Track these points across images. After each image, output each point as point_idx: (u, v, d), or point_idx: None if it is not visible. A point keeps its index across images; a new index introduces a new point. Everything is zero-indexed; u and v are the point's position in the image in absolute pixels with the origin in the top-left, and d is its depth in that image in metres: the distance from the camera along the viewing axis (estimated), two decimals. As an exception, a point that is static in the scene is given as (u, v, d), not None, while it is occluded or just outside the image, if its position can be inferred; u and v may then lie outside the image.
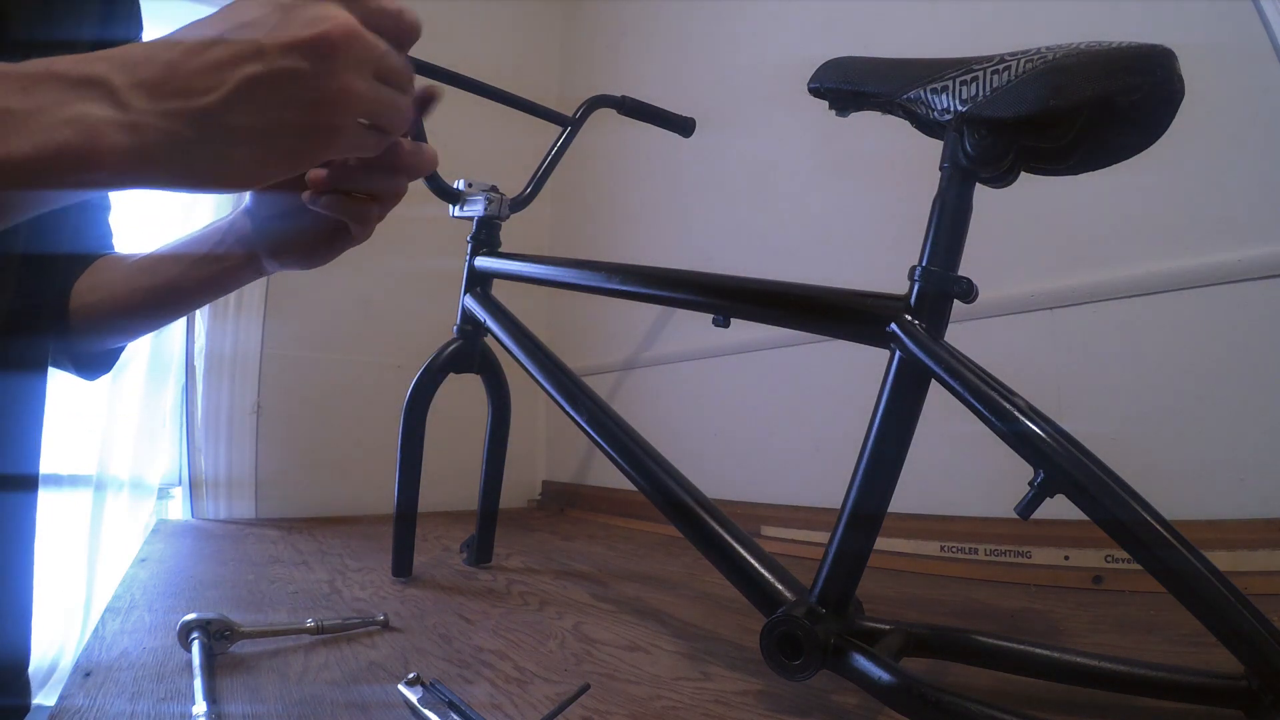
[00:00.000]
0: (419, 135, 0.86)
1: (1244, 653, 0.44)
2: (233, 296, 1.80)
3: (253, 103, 0.29)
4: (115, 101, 0.28)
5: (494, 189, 1.11)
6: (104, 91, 0.28)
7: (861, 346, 0.61)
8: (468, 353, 1.08)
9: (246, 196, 0.49)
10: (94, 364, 0.67)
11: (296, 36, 0.29)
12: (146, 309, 0.59)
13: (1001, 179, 0.57)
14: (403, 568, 1.04)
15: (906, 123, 0.62)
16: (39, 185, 0.28)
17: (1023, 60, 0.52)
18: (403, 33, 0.34)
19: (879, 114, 0.64)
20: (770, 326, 0.71)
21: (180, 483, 1.74)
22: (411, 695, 0.54)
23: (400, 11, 0.33)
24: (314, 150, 0.32)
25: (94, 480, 1.57)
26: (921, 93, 0.57)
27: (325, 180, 0.39)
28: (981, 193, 0.57)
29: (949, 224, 0.57)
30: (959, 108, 0.55)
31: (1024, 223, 1.07)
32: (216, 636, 0.66)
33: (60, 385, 0.63)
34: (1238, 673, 0.47)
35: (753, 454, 1.53)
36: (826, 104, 0.66)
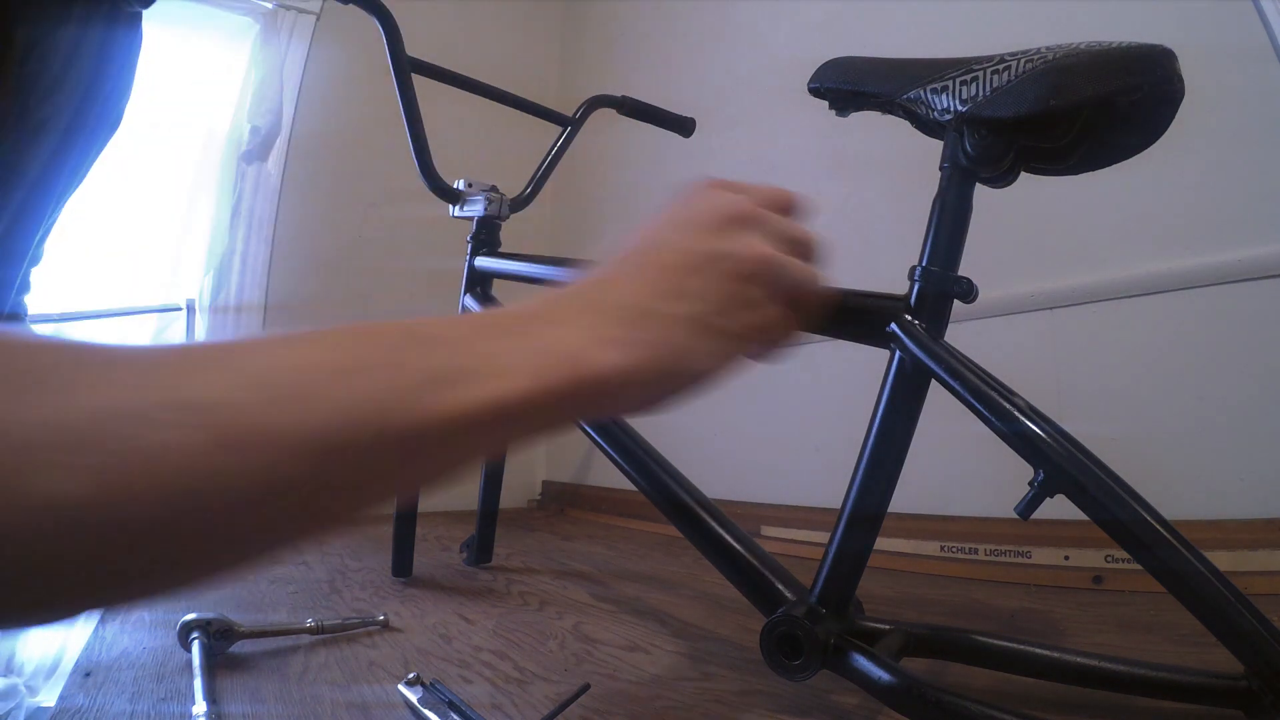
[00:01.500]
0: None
1: (1244, 653, 0.44)
2: (233, 297, 1.80)
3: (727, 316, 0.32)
4: (601, 337, 0.28)
5: (494, 189, 1.11)
6: (588, 329, 0.28)
7: (861, 346, 0.61)
8: (468, 353, 1.08)
9: None
10: None
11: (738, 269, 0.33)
12: None
13: (1001, 179, 0.57)
14: (403, 568, 1.04)
15: (906, 123, 0.62)
16: (537, 424, 0.26)
17: (1023, 60, 0.52)
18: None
19: (879, 114, 0.64)
20: (770, 326, 0.70)
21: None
22: (411, 695, 0.54)
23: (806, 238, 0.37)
24: (767, 346, 0.36)
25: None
26: (922, 93, 0.57)
27: None
28: (981, 193, 0.57)
29: (949, 224, 0.57)
30: (959, 108, 0.55)
31: (1024, 223, 1.07)
32: (216, 636, 0.66)
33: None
34: (1238, 673, 0.47)
35: (753, 454, 1.53)
36: (826, 104, 0.66)
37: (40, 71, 0.58)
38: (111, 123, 0.69)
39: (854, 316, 0.61)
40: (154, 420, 0.18)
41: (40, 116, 0.61)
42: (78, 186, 0.70)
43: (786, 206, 0.37)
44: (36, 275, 0.70)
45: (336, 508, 0.22)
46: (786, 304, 0.35)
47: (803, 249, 0.36)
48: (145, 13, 0.67)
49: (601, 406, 0.29)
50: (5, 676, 1.42)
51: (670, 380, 0.30)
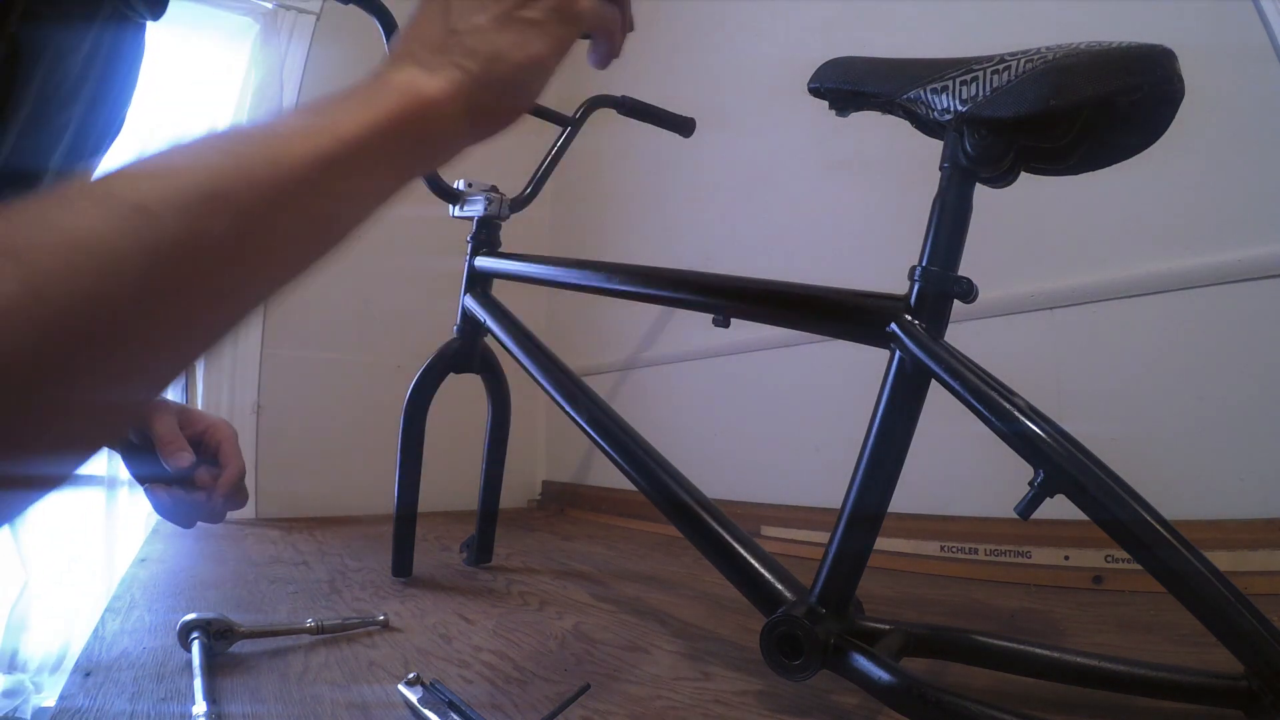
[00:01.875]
0: None
1: (1244, 653, 0.44)
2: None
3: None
4: (422, 65, 0.33)
5: (494, 189, 1.11)
6: (410, 63, 0.33)
7: (861, 346, 0.61)
8: (468, 353, 1.08)
9: None
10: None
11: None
12: None
13: (1001, 179, 0.57)
14: (403, 568, 1.04)
15: (906, 123, 0.62)
16: (385, 158, 0.31)
17: (1023, 60, 0.52)
18: None
19: (879, 114, 0.64)
20: (770, 326, 0.71)
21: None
22: (411, 695, 0.54)
23: None
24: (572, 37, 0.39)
25: (105, 480, 1.58)
26: (922, 93, 0.57)
27: None
28: (981, 193, 0.57)
29: (949, 224, 0.57)
30: (959, 108, 0.55)
31: (1024, 223, 1.07)
32: (216, 636, 0.66)
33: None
34: (1238, 673, 0.47)
35: (753, 454, 1.53)
36: (826, 104, 0.66)
37: (61, 80, 0.59)
38: (115, 130, 0.70)
39: (854, 316, 0.61)
40: (74, 206, 0.23)
41: (60, 122, 0.62)
42: None
43: None
44: None
45: (249, 256, 0.27)
46: None
47: None
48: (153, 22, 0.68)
49: (449, 127, 0.33)
50: (10, 674, 1.42)
51: (498, 82, 0.35)
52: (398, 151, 0.31)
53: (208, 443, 0.60)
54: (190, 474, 0.57)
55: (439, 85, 0.32)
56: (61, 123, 0.63)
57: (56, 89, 0.60)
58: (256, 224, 0.26)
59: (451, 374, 1.07)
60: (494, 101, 0.35)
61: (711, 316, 0.71)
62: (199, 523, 0.59)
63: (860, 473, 0.57)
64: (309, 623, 0.74)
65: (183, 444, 0.57)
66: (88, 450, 0.25)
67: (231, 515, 0.63)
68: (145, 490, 0.58)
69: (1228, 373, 0.93)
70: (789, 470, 1.44)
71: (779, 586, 0.61)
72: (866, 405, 0.58)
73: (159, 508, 0.58)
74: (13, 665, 1.43)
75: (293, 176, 0.27)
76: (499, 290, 1.08)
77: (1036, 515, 0.50)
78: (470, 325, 1.08)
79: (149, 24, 0.66)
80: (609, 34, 0.42)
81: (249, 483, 0.62)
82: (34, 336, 0.20)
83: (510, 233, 1.13)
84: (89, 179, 0.24)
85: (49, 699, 1.37)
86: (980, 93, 0.53)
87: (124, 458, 0.60)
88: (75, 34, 0.56)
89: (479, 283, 1.08)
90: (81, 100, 0.63)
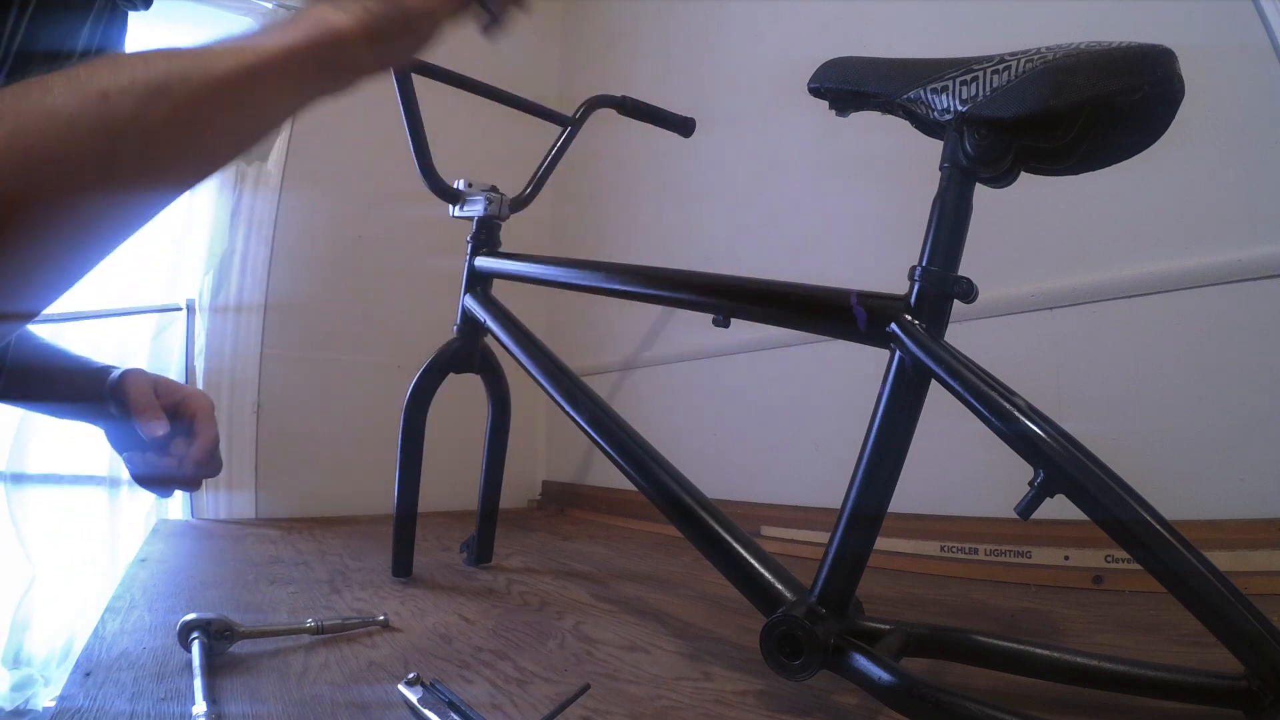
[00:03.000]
0: None
1: (1244, 653, 0.44)
2: (233, 296, 1.80)
3: None
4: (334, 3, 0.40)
5: (494, 189, 1.11)
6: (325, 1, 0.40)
7: (861, 346, 0.61)
8: (468, 353, 1.08)
9: None
10: None
11: None
12: None
13: (1001, 179, 0.57)
14: (403, 568, 1.04)
15: (906, 123, 0.62)
16: (298, 73, 0.38)
17: (1023, 60, 0.52)
18: None
19: (879, 114, 0.64)
20: (770, 326, 0.71)
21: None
22: (411, 695, 0.54)
23: None
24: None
25: (106, 479, 1.58)
26: (922, 93, 0.57)
27: None
28: (981, 193, 0.57)
29: (949, 224, 0.57)
30: (959, 108, 0.55)
31: (1024, 223, 1.07)
32: (216, 636, 0.66)
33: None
34: (1238, 673, 0.47)
35: (753, 454, 1.53)
36: (826, 104, 0.66)
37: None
38: None
39: (854, 316, 0.61)
40: (53, 87, 0.31)
41: None
42: None
43: None
44: None
45: (185, 140, 0.35)
46: None
47: None
48: (145, 14, 0.69)
49: (352, 54, 0.40)
50: (17, 668, 1.42)
51: (394, 23, 0.41)
52: (308, 69, 0.39)
53: (184, 413, 0.62)
54: (166, 442, 0.60)
55: (345, 20, 0.40)
56: None
57: None
58: (189, 114, 0.34)
59: (451, 374, 1.07)
60: (390, 38, 0.42)
61: (711, 316, 0.71)
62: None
63: (860, 473, 0.57)
64: (309, 623, 0.74)
65: (158, 412, 0.59)
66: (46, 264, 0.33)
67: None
68: (124, 457, 0.61)
69: (1228, 373, 0.93)
70: (789, 470, 1.44)
71: (779, 586, 0.61)
72: (866, 405, 0.58)
73: (134, 470, 0.61)
74: (18, 661, 1.43)
75: (221, 81, 0.35)
76: (499, 290, 1.08)
77: (1036, 515, 0.50)
78: (470, 325, 1.08)
79: (136, 13, 0.67)
80: (498, 4, 0.49)
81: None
82: (12, 177, 0.29)
83: (510, 233, 1.13)
84: (68, 70, 0.32)
85: (47, 699, 1.37)
86: (980, 93, 0.53)
87: (105, 428, 0.61)
88: (73, 29, 0.57)
89: (479, 283, 1.08)
90: None
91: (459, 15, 0.46)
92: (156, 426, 0.58)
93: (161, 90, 0.32)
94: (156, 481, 0.61)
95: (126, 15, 0.66)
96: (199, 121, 0.35)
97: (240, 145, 0.38)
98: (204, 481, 0.62)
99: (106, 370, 0.63)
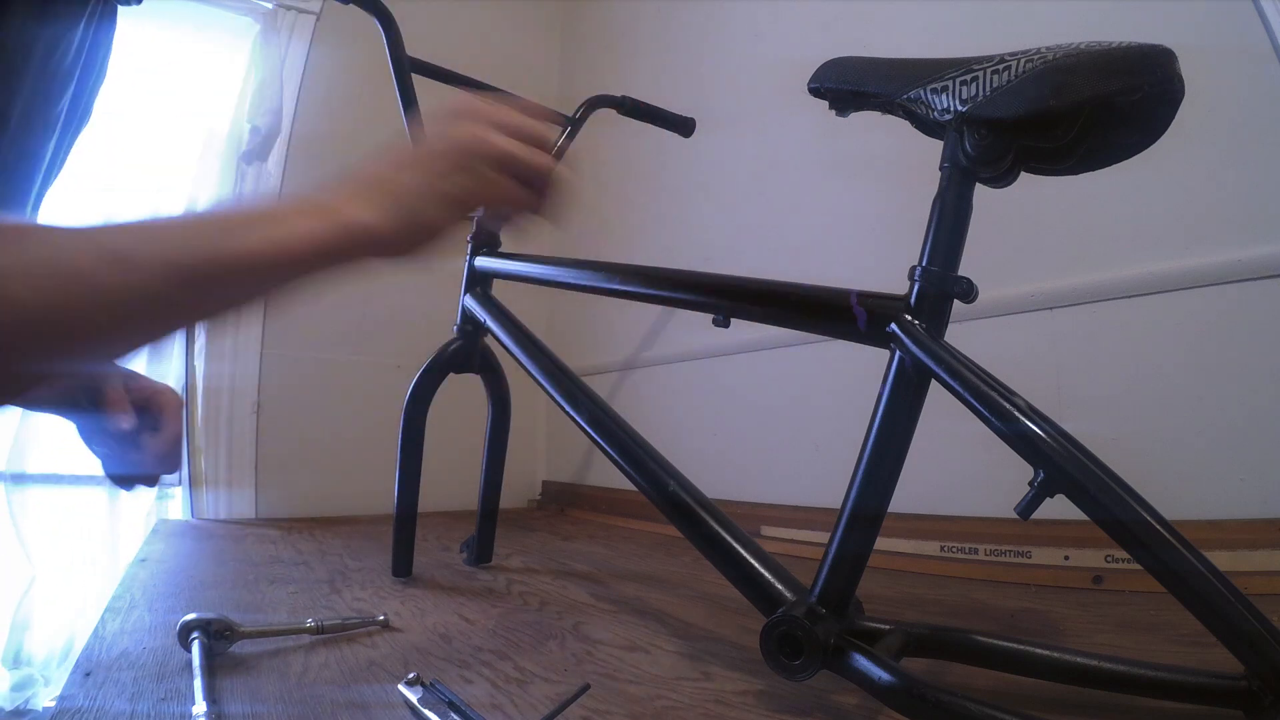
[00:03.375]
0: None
1: (1244, 653, 0.44)
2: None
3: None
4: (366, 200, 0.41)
5: (494, 189, 1.10)
6: (357, 197, 0.41)
7: (861, 346, 0.61)
8: (468, 353, 1.08)
9: None
10: None
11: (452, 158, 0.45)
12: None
13: (1001, 179, 0.57)
14: (403, 568, 1.04)
15: (906, 123, 0.62)
16: (316, 265, 0.39)
17: (1023, 60, 0.52)
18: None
19: (879, 114, 0.64)
20: (770, 326, 0.71)
21: (180, 482, 1.75)
22: (411, 695, 0.54)
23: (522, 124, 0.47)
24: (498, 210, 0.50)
25: (106, 479, 1.59)
26: (922, 93, 0.57)
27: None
28: (981, 193, 0.57)
29: (949, 224, 0.57)
30: (959, 108, 0.55)
31: (1024, 223, 1.07)
32: (216, 636, 0.66)
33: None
34: (1238, 673, 0.47)
35: (753, 454, 1.53)
36: (826, 104, 0.66)
37: (55, 72, 0.61)
38: (88, 115, 0.72)
39: (854, 316, 0.61)
40: (70, 250, 0.33)
41: (57, 111, 0.64)
42: (54, 181, 0.73)
43: (525, 110, 0.48)
44: None
45: (194, 308, 0.38)
46: (517, 180, 0.47)
47: (529, 139, 0.47)
48: (137, 10, 0.69)
49: (364, 249, 0.41)
50: (17, 668, 1.42)
51: (409, 229, 0.42)
52: (328, 261, 0.39)
53: (152, 409, 0.63)
54: (132, 435, 0.61)
55: (374, 222, 0.40)
56: (59, 111, 0.64)
57: (50, 81, 0.61)
58: (202, 292, 0.36)
59: (451, 374, 1.07)
60: (404, 241, 0.43)
61: (711, 316, 0.71)
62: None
63: (860, 473, 0.57)
64: (309, 623, 0.74)
65: (126, 406, 0.61)
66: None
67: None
68: (92, 451, 0.63)
69: (1228, 373, 0.92)
70: (789, 470, 1.44)
71: (779, 586, 0.61)
72: (866, 405, 0.58)
73: (102, 464, 0.63)
74: (18, 661, 1.43)
75: (246, 265, 0.36)
76: (499, 290, 1.08)
77: (1036, 515, 0.50)
78: (470, 325, 1.08)
79: (136, 12, 0.68)
80: (505, 216, 0.53)
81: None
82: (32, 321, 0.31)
83: (510, 233, 1.13)
84: (86, 224, 0.34)
85: (58, 691, 1.37)
86: (980, 93, 0.53)
87: (74, 419, 0.62)
88: (69, 26, 0.57)
89: (479, 283, 1.08)
90: (71, 90, 0.65)
91: (464, 219, 0.47)
92: (124, 420, 0.60)
93: (182, 267, 0.35)
94: (120, 477, 0.63)
95: (116, 10, 0.67)
96: (209, 297, 0.37)
97: (245, 311, 0.40)
98: (160, 478, 0.64)
99: None
